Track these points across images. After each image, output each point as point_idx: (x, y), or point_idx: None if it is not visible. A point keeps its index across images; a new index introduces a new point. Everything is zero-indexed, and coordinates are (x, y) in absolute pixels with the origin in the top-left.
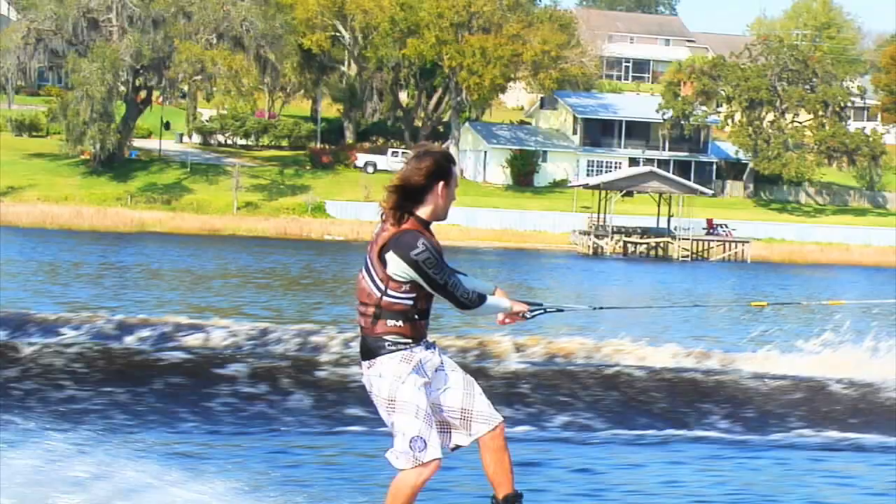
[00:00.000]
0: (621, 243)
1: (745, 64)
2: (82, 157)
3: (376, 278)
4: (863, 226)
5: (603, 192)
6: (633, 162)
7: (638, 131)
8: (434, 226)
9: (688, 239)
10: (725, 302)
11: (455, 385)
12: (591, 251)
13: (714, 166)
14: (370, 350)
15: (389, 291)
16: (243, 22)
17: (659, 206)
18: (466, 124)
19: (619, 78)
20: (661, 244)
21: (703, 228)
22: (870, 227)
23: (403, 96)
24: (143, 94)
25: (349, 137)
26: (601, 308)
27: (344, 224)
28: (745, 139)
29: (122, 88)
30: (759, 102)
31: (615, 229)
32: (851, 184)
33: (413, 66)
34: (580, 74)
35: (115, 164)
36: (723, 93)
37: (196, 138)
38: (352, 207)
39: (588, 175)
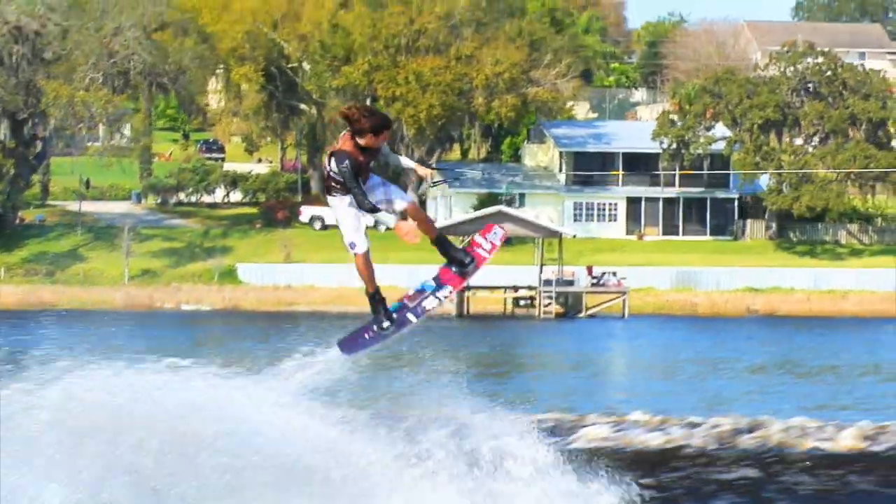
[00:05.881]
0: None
1: (755, 76)
2: None
3: (327, 165)
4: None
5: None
6: (633, 202)
7: (642, 165)
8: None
9: (549, 292)
10: None
11: (373, 188)
12: (455, 312)
13: (735, 204)
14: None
15: (332, 171)
16: (131, 57)
17: (542, 252)
18: (434, 164)
19: None
20: (527, 299)
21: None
22: None
23: None
24: (38, 146)
25: (315, 188)
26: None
27: (248, 290)
28: (751, 168)
29: None
30: (772, 123)
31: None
32: None
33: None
34: (550, 100)
35: (5, 231)
36: (728, 113)
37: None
38: (269, 271)
39: (576, 221)
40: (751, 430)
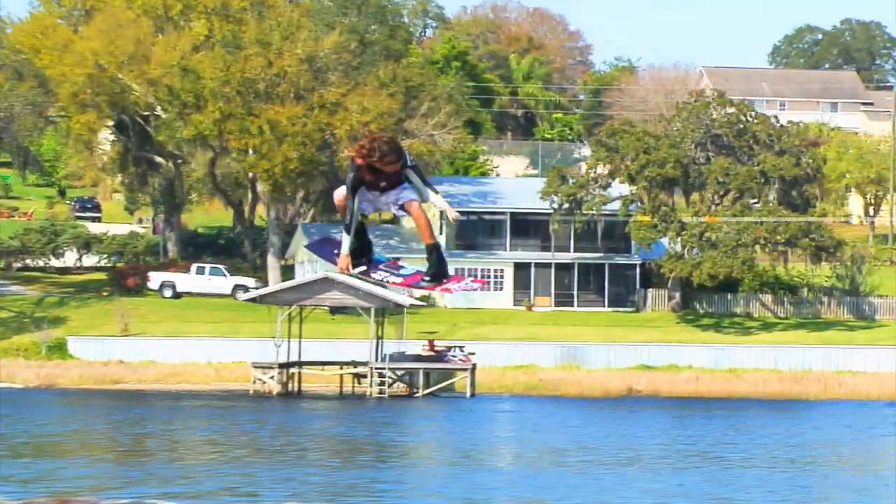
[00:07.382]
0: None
1: (665, 128)
2: None
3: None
4: (802, 344)
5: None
6: (521, 268)
7: (533, 227)
8: None
9: (382, 369)
10: None
11: (394, 192)
12: (278, 390)
13: (637, 271)
14: None
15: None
16: None
17: (375, 325)
18: (300, 229)
19: None
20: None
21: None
22: (806, 347)
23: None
24: None
25: (171, 251)
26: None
27: (72, 366)
28: (646, 232)
29: None
30: (670, 180)
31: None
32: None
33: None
34: (426, 153)
35: None
36: (624, 169)
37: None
38: (103, 344)
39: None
40: None
